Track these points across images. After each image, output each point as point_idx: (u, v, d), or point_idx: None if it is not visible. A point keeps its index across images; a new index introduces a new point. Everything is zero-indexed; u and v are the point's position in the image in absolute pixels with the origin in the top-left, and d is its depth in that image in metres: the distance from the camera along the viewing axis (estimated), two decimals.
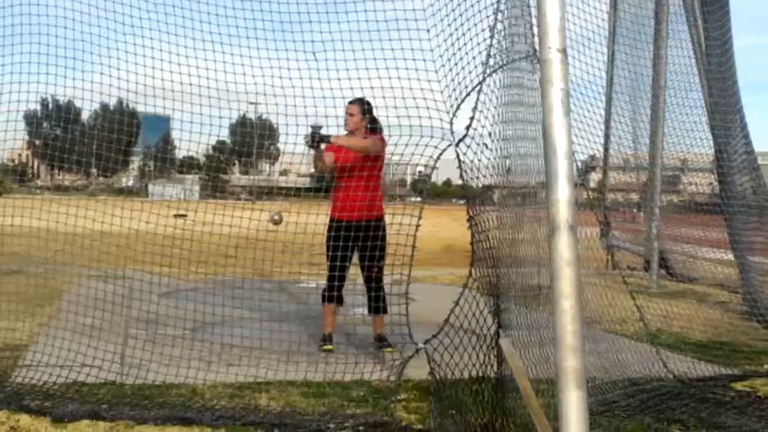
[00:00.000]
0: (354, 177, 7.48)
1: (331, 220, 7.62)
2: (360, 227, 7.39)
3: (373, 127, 7.62)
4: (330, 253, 7.45)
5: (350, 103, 7.55)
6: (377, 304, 7.52)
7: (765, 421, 5.70)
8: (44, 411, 5.24)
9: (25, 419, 5.10)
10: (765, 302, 9.80)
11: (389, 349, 7.45)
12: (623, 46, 10.17)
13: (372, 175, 7.57)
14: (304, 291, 10.63)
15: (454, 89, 5.45)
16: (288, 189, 8.66)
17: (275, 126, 7.37)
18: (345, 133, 7.69)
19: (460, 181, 5.45)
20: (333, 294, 7.55)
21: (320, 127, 7.18)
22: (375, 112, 7.48)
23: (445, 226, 31.35)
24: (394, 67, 5.91)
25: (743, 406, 6.09)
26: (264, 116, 8.03)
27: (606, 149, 11.79)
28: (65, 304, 7.75)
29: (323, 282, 7.76)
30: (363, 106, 7.58)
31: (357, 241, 7.28)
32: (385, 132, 7.56)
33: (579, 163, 8.13)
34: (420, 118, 5.72)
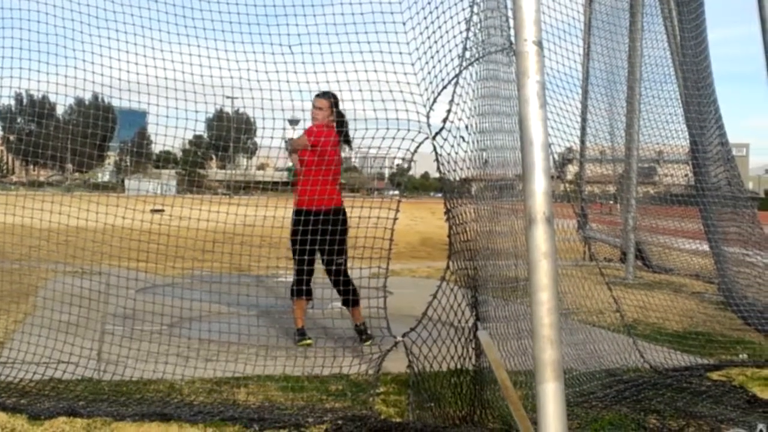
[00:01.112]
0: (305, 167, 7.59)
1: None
2: (310, 213, 7.32)
3: (340, 121, 7.64)
4: (291, 246, 7.46)
5: (318, 96, 7.58)
6: (346, 296, 7.49)
7: (741, 410, 5.75)
8: (20, 408, 5.20)
9: (1, 417, 5.06)
10: (740, 292, 9.89)
11: (369, 342, 7.46)
12: (599, 39, 10.22)
13: (318, 164, 7.53)
14: (282, 285, 10.60)
15: (431, 82, 5.46)
16: (265, 183, 8.63)
17: (252, 120, 7.34)
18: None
19: (437, 174, 5.46)
20: (302, 288, 7.50)
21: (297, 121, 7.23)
22: (351, 105, 7.46)
23: (423, 220, 31.44)
24: (370, 60, 5.91)
25: (719, 395, 6.14)
26: (241, 110, 8.00)
27: (582, 141, 11.86)
28: (41, 300, 7.69)
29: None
30: (331, 99, 7.60)
31: (315, 232, 7.13)
32: (362, 125, 7.55)
33: (555, 156, 8.16)
34: (397, 111, 5.72)
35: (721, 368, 7.16)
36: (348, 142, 7.76)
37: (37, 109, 9.14)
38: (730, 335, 8.61)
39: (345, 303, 7.62)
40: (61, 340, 6.36)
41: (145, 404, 5.44)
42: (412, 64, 5.49)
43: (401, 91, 5.65)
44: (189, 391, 5.83)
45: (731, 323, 9.29)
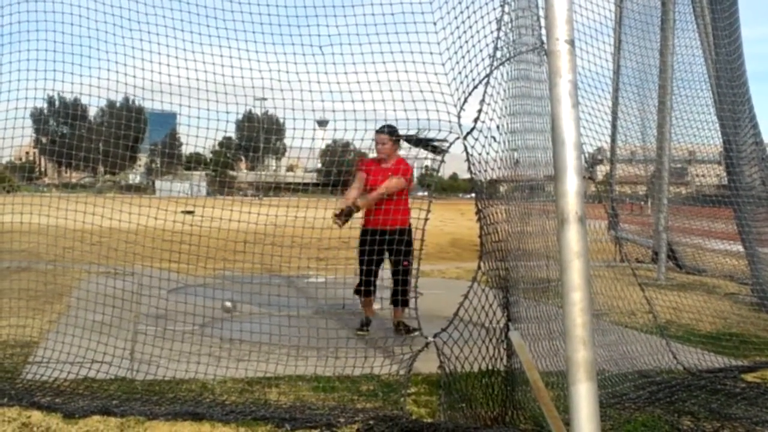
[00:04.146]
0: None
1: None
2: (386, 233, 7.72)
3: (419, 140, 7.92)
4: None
5: (379, 132, 7.93)
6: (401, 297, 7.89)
7: None
8: (55, 407, 5.26)
9: (36, 415, 5.12)
10: None
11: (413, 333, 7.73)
12: (630, 37, 10.13)
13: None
14: (313, 286, 10.64)
15: (462, 82, 5.44)
16: (295, 184, 8.67)
17: (282, 121, 7.37)
18: (374, 155, 8.22)
19: (466, 175, 5.44)
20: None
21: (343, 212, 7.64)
22: (381, 105, 7.53)
23: (452, 221, 31.39)
24: (401, 60, 5.90)
25: (753, 397, 6.07)
26: (270, 112, 8.04)
27: (613, 141, 11.77)
28: (74, 300, 7.77)
29: (332, 276, 7.82)
30: (392, 133, 7.98)
31: (389, 244, 7.74)
32: (394, 126, 7.69)
33: (586, 156, 8.11)
34: (428, 112, 5.72)
35: (756, 370, 7.08)
36: (435, 149, 7.83)
37: (70, 111, 9.21)
38: (764, 336, 8.51)
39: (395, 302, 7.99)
40: (94, 340, 6.42)
41: (178, 403, 5.47)
42: (443, 64, 5.47)
43: (432, 92, 5.64)
44: (221, 391, 5.86)
45: (765, 324, 9.18)
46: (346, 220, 7.67)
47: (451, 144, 5.69)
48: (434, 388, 5.86)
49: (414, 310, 5.96)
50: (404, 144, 8.02)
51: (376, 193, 7.91)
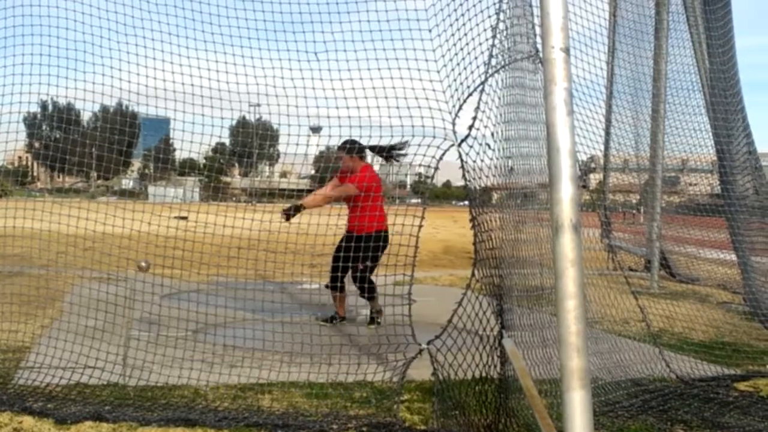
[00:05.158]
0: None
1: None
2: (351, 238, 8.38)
3: (361, 156, 8.88)
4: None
5: (338, 148, 8.86)
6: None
7: None
8: (47, 413, 5.24)
9: (28, 421, 5.10)
10: (767, 303, 9.78)
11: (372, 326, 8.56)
12: (625, 46, 10.16)
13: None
14: (306, 292, 10.64)
15: (456, 89, 5.44)
16: (289, 191, 8.70)
17: (276, 128, 7.36)
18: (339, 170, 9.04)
19: (460, 183, 5.44)
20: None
21: (291, 208, 8.27)
22: (376, 112, 7.53)
23: (445, 228, 31.36)
24: (395, 67, 5.89)
25: (746, 406, 6.08)
26: (264, 118, 8.03)
27: (606, 149, 11.80)
28: (67, 306, 7.75)
29: (325, 283, 7.93)
30: (342, 148, 8.77)
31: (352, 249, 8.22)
32: (387, 133, 7.63)
33: (579, 164, 8.13)
34: (422, 119, 5.71)
35: (748, 379, 7.09)
36: (390, 157, 8.65)
37: (64, 116, 9.20)
38: (756, 345, 8.53)
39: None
40: (87, 345, 6.39)
41: (171, 409, 5.46)
42: (438, 72, 5.47)
43: (427, 99, 5.64)
44: (214, 397, 5.85)
45: (758, 333, 9.20)
46: (290, 216, 8.12)
47: (445, 151, 5.67)
48: (427, 395, 5.85)
49: (407, 316, 5.94)
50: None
51: (315, 195, 8.72)
